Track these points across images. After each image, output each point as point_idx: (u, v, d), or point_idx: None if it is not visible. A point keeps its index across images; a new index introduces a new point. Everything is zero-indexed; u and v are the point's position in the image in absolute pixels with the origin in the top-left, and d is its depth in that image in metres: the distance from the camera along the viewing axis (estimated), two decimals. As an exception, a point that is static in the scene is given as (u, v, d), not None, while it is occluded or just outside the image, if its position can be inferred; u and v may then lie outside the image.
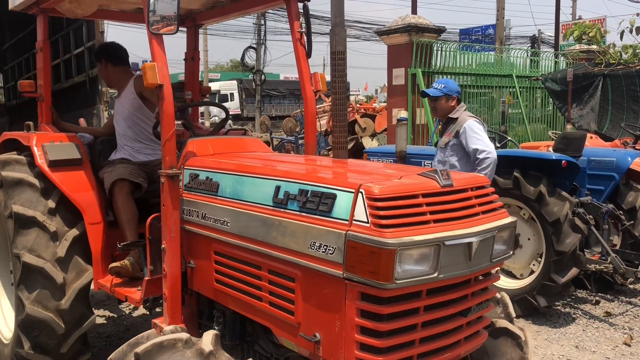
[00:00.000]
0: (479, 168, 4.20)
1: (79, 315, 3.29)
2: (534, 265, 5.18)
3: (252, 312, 2.56)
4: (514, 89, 10.74)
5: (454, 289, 2.16)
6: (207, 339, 2.14)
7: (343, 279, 2.04)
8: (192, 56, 4.31)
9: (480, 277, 2.32)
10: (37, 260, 3.16)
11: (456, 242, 2.03)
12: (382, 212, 1.98)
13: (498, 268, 2.60)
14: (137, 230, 3.26)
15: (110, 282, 3.27)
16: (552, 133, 8.96)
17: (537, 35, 23.64)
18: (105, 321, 4.91)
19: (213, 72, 37.72)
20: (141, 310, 4.90)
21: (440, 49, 9.86)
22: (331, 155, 11.45)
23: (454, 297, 2.17)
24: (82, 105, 7.09)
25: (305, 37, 3.28)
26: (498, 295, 2.76)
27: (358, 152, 11.23)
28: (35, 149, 3.35)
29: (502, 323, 2.67)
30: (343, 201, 2.08)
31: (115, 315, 5.04)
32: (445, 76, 9.91)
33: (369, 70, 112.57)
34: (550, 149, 6.07)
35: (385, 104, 11.69)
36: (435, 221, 2.05)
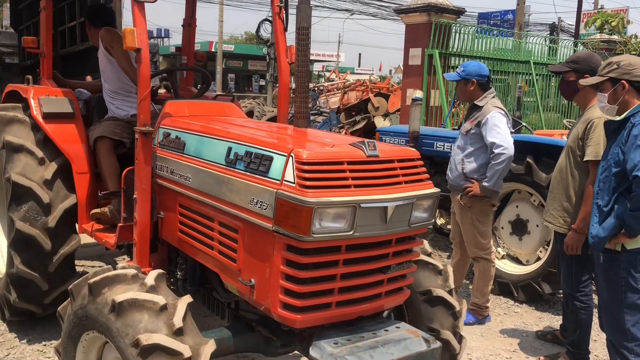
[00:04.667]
0: (492, 162, 4.18)
1: (65, 235, 3.62)
2: (540, 252, 5.20)
3: (205, 260, 2.85)
4: (530, 76, 10.69)
5: (373, 248, 2.41)
6: (151, 275, 2.45)
7: (272, 232, 2.30)
8: (189, 23, 4.57)
9: (407, 240, 2.56)
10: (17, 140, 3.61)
11: (371, 205, 2.27)
12: (306, 175, 2.22)
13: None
14: (118, 182, 3.56)
15: (91, 227, 3.60)
16: (567, 121, 8.94)
17: (556, 23, 23.14)
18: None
19: (227, 43, 37.40)
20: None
21: (458, 31, 9.84)
22: (342, 133, 11.66)
23: (373, 255, 2.41)
24: (97, 68, 7.40)
25: (283, 12, 3.50)
26: (440, 266, 2.99)
27: (370, 131, 11.33)
28: (31, 101, 3.68)
29: (440, 292, 2.91)
30: (277, 163, 2.33)
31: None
32: (463, 59, 9.93)
33: (384, 50, 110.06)
34: (565, 137, 6.13)
35: (399, 84, 11.76)
36: (356, 186, 2.29)
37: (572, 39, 13.47)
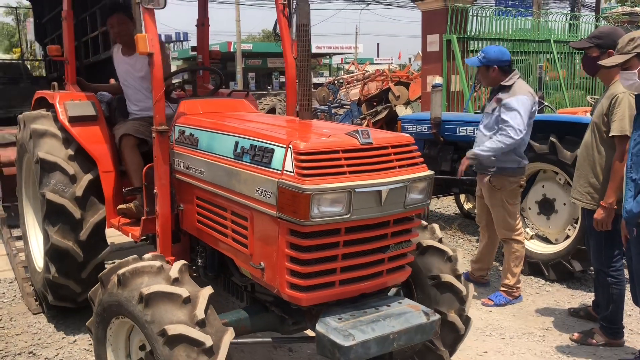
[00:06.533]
0: (498, 136, 4.23)
1: (92, 203, 3.91)
2: (569, 230, 5.21)
3: (222, 247, 3.06)
4: (551, 55, 10.59)
5: (371, 229, 2.58)
6: (151, 254, 2.74)
7: (277, 218, 2.49)
8: (202, 22, 4.79)
9: (405, 221, 2.72)
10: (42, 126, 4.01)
11: (366, 189, 2.44)
12: (304, 164, 2.40)
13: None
14: (142, 178, 3.79)
15: (118, 222, 3.86)
16: (591, 98, 8.85)
17: (577, -1, 22.60)
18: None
19: (245, 42, 37.66)
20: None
21: (475, 14, 9.83)
22: (364, 124, 11.78)
23: (371, 236, 2.58)
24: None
25: (287, 9, 3.67)
26: (424, 223, 3.17)
27: (392, 120, 11.41)
28: (58, 106, 3.96)
29: (429, 242, 3.09)
30: (278, 155, 2.52)
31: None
32: (481, 42, 9.92)
33: (402, 38, 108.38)
34: (588, 114, 6.06)
35: (419, 72, 11.77)
36: (351, 172, 2.46)
37: (594, 14, 13.23)
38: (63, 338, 4.10)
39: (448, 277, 3.06)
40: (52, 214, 3.79)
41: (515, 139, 4.22)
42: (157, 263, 2.64)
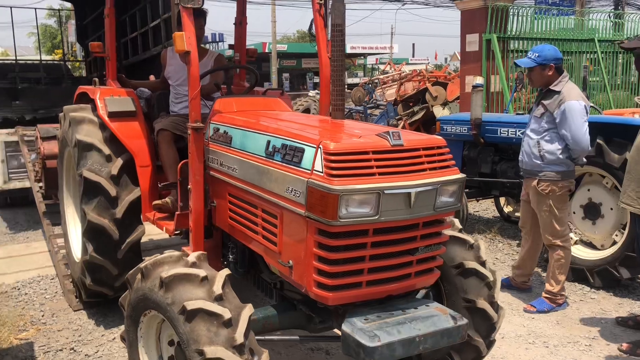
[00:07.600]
0: (572, 154, 4.35)
1: (127, 183, 4.05)
2: (616, 235, 5.06)
3: (252, 244, 3.10)
4: (595, 55, 10.31)
5: (400, 231, 2.57)
6: (169, 250, 2.82)
7: (305, 217, 2.51)
8: (240, 21, 4.85)
9: (435, 223, 2.70)
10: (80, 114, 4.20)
11: (395, 191, 2.43)
12: (333, 164, 2.41)
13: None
14: (178, 173, 3.86)
15: (153, 216, 3.95)
16: (638, 99, 8.59)
17: (621, -4, 21.76)
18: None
19: (280, 43, 37.98)
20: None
21: (516, 13, 9.67)
22: (400, 125, 11.69)
23: (400, 238, 2.58)
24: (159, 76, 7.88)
25: (323, 9, 3.69)
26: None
27: (429, 121, 11.27)
28: (98, 101, 4.08)
29: (450, 232, 3.05)
30: (308, 154, 2.54)
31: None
32: (522, 42, 9.74)
33: (437, 38, 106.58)
34: (637, 115, 5.84)
35: (456, 72, 11.62)
36: (381, 174, 2.45)
37: (639, 12, 12.81)
38: (102, 335, 4.18)
39: (472, 264, 3.03)
40: (89, 192, 3.92)
41: (580, 147, 4.28)
42: (176, 253, 2.76)
